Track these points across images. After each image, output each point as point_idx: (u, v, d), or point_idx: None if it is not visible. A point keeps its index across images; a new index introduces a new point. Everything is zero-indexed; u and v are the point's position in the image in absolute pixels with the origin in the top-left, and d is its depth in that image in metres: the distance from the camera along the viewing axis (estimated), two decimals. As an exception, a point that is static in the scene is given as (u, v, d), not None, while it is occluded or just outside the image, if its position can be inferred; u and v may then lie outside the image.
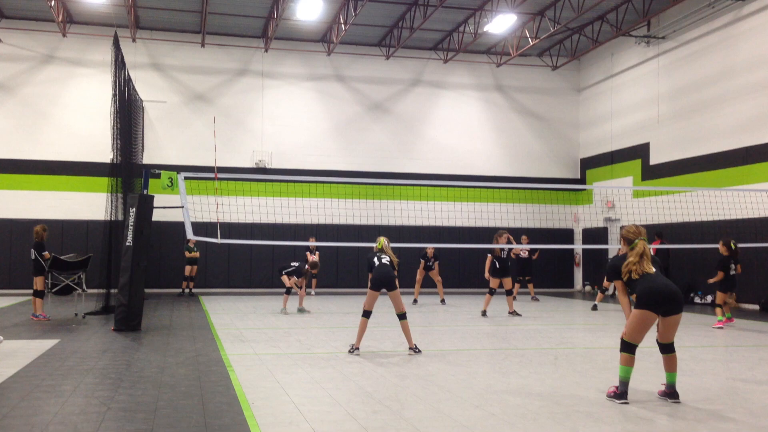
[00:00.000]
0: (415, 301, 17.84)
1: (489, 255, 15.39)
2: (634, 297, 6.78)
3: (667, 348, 6.77)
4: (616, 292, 7.17)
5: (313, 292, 20.37)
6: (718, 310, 13.44)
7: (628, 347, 6.67)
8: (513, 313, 15.06)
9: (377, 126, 24.15)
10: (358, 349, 9.41)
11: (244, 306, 16.87)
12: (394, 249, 10.23)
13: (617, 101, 23.52)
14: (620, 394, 6.63)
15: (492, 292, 15.22)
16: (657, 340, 6.85)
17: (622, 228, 7.38)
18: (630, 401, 6.64)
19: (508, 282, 15.22)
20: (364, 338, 9.67)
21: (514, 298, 15.42)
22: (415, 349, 9.47)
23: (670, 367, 6.76)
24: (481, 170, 24.41)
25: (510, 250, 15.11)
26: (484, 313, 14.93)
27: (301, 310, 15.36)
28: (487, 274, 15.35)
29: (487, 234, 16.53)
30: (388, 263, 9.64)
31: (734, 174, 18.34)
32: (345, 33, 21.66)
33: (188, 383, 7.34)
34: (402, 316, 9.55)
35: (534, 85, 25.45)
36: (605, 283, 17.12)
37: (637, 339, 6.65)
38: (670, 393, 6.74)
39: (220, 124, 21.81)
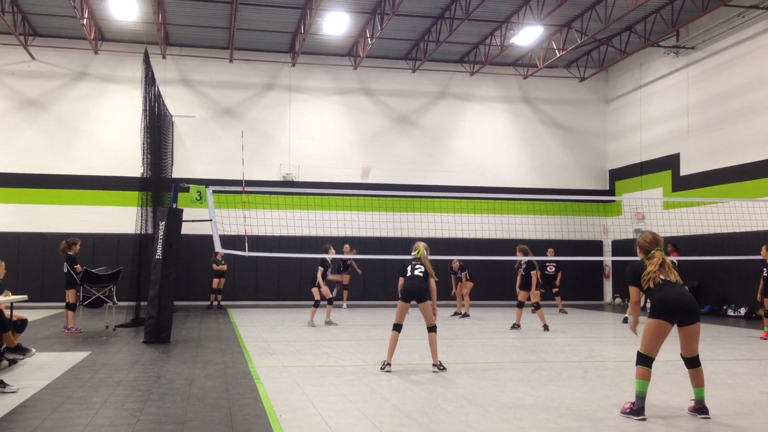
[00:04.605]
0: (463, 314, 17.82)
1: (519, 271, 15.41)
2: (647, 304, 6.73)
3: (692, 362, 6.63)
4: (629, 301, 7.08)
5: (344, 305, 20.34)
6: (766, 320, 13.16)
7: (644, 360, 6.55)
8: (545, 327, 14.86)
9: (403, 139, 24.20)
10: (389, 364, 9.18)
11: (272, 318, 16.94)
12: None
13: (646, 112, 23.29)
14: (637, 410, 6.47)
15: (521, 306, 15.15)
16: (681, 355, 6.72)
17: (638, 235, 7.34)
18: (661, 416, 6.52)
19: (535, 295, 15.16)
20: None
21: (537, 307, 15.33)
22: (439, 366, 9.14)
23: (698, 382, 6.63)
24: (508, 182, 24.30)
25: (529, 263, 15.07)
26: (515, 326, 14.78)
27: (328, 323, 15.36)
28: (517, 289, 15.38)
29: (515, 247, 16.42)
30: (421, 274, 9.39)
31: (766, 185, 18.01)
32: (371, 47, 21.79)
33: (216, 395, 7.38)
34: (431, 329, 9.29)
35: (561, 96, 25.32)
36: None
37: (654, 351, 6.55)
38: (700, 408, 6.59)
39: (247, 138, 22.02)
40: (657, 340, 6.53)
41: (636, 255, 7.21)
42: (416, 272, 9.44)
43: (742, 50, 19.11)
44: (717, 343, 12.54)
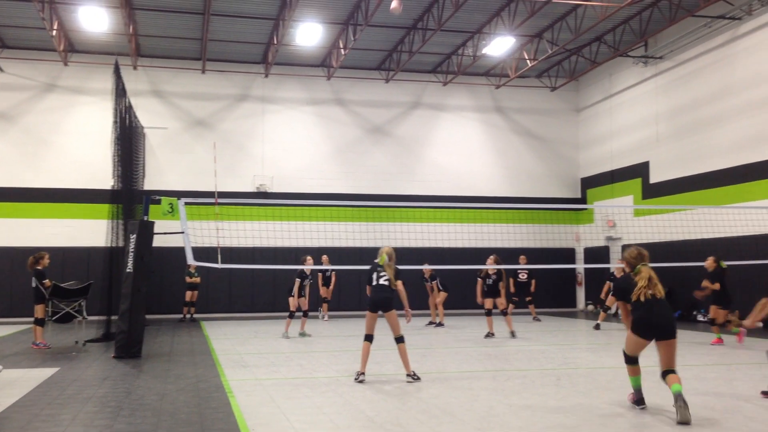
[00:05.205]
0: (438, 323, 17.82)
1: (479, 279, 15.51)
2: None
3: (667, 373, 6.97)
4: (620, 311, 7.53)
5: (326, 317, 20.17)
6: (715, 328, 13.42)
7: (630, 360, 7.31)
8: (512, 333, 15.00)
9: (377, 149, 24.25)
10: (363, 374, 9.11)
11: (246, 331, 16.82)
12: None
13: (616, 121, 23.61)
14: (637, 400, 7.26)
15: (489, 314, 15.21)
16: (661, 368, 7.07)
17: (623, 251, 7.81)
18: (610, 406, 6.70)
19: (500, 303, 15.30)
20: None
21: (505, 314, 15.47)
22: (413, 376, 9.09)
23: (673, 382, 6.95)
24: (481, 191, 24.45)
25: (498, 272, 15.23)
26: (489, 335, 14.85)
27: (302, 334, 15.29)
28: (479, 299, 15.48)
29: (489, 255, 16.52)
30: (386, 283, 9.29)
31: (734, 191, 18.34)
32: (344, 57, 21.83)
33: (188, 410, 7.30)
34: (399, 340, 9.19)
35: (533, 106, 25.57)
36: (608, 301, 17.12)
37: (636, 353, 7.27)
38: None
39: (221, 149, 21.92)
40: (636, 350, 7.28)
41: (606, 263, 7.68)
42: (381, 281, 9.33)
43: (709, 60, 19.47)
44: (687, 348, 12.68)
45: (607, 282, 17.99)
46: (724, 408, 7.36)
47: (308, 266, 15.23)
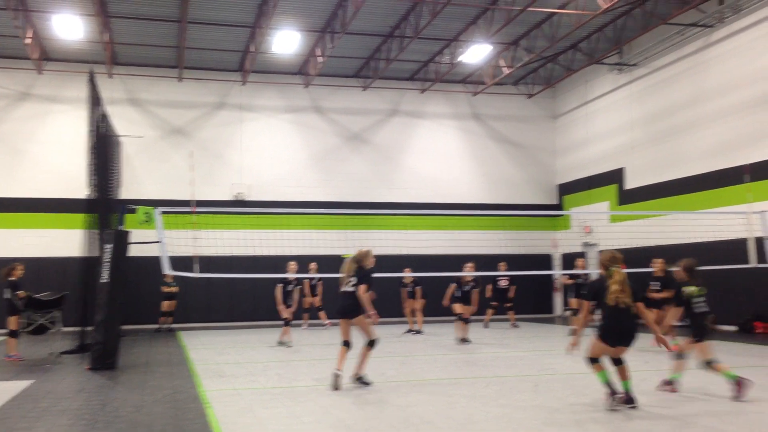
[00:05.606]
0: (417, 331, 17.82)
1: (452, 284, 15.63)
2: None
3: (617, 361, 7.61)
4: (580, 310, 7.79)
5: (306, 326, 20.04)
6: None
7: (593, 361, 7.59)
8: (464, 339, 15.09)
9: (356, 156, 24.26)
10: (339, 371, 9.00)
11: (224, 340, 16.70)
12: (375, 279, 9.75)
13: (592, 127, 23.84)
14: (611, 393, 7.41)
15: (460, 318, 15.30)
16: (610, 357, 7.65)
17: (587, 248, 8.08)
18: (586, 411, 6.92)
19: (468, 310, 15.43)
20: (344, 370, 9.55)
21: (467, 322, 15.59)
22: (360, 380, 9.08)
23: (624, 376, 7.61)
24: (460, 198, 24.55)
25: (476, 279, 15.44)
26: (464, 340, 14.90)
27: (281, 343, 15.18)
28: (446, 301, 15.60)
29: (468, 261, 16.59)
30: (352, 289, 9.24)
31: (708, 197, 18.58)
32: (322, 65, 21.83)
33: (164, 422, 7.23)
34: (369, 344, 9.24)
35: (510, 113, 25.75)
36: (572, 303, 17.33)
37: (598, 356, 7.58)
38: (628, 399, 7.47)
39: (198, 158, 21.80)
40: (602, 354, 7.54)
41: (591, 269, 7.88)
42: (348, 288, 9.33)
43: (682, 67, 19.74)
44: (651, 353, 12.77)
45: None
46: (687, 413, 7.44)
47: (291, 273, 15.20)
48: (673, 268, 8.72)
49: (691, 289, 8.28)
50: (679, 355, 8.53)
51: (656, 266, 13.65)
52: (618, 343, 7.44)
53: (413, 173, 24.58)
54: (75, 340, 14.36)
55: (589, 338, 7.81)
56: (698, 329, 8.26)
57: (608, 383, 7.46)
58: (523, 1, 17.71)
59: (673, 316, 8.62)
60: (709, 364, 8.00)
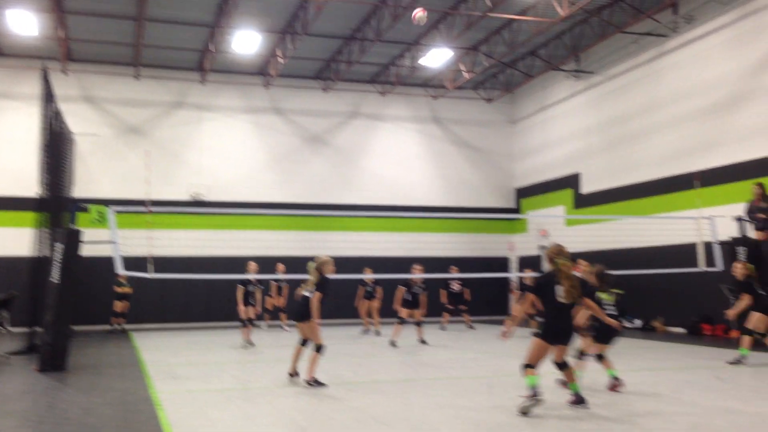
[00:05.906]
0: (376, 332, 17.82)
1: (401, 287, 15.76)
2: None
3: (562, 365, 7.70)
4: (519, 301, 7.92)
5: (265, 326, 19.88)
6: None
7: (530, 366, 7.53)
8: (423, 341, 15.24)
9: (316, 158, 24.18)
10: (295, 374, 9.42)
11: (178, 341, 16.48)
12: (334, 280, 9.96)
13: (550, 133, 24.19)
14: (533, 395, 7.30)
15: (402, 322, 15.40)
16: (554, 362, 7.70)
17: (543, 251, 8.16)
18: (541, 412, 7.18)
19: (418, 313, 15.59)
20: (299, 371, 9.56)
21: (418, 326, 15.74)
22: (311, 382, 9.13)
23: (570, 379, 7.73)
24: (419, 201, 24.65)
25: (425, 282, 15.65)
26: (392, 343, 14.94)
27: (249, 343, 14.94)
28: (396, 305, 15.75)
29: (426, 263, 16.68)
30: (308, 294, 9.45)
31: (660, 202, 19.00)
32: (283, 66, 21.72)
33: (114, 424, 7.10)
34: (316, 348, 9.33)
35: (470, 117, 25.97)
36: (515, 294, 17.60)
37: (536, 362, 7.51)
38: (578, 400, 7.62)
39: (155, 157, 21.46)
40: (539, 357, 7.52)
41: (540, 271, 7.89)
42: (304, 292, 9.53)
43: (637, 75, 20.16)
44: (613, 355, 13.01)
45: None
46: (645, 411, 7.60)
47: (251, 273, 15.11)
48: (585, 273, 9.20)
49: (602, 295, 8.89)
50: (582, 355, 8.98)
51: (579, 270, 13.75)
52: (556, 341, 7.51)
53: (373, 175, 24.60)
54: (23, 340, 14.01)
55: (528, 341, 7.84)
56: (603, 332, 8.81)
57: (534, 386, 7.29)
58: (483, 6, 17.90)
59: (582, 317, 8.93)
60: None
